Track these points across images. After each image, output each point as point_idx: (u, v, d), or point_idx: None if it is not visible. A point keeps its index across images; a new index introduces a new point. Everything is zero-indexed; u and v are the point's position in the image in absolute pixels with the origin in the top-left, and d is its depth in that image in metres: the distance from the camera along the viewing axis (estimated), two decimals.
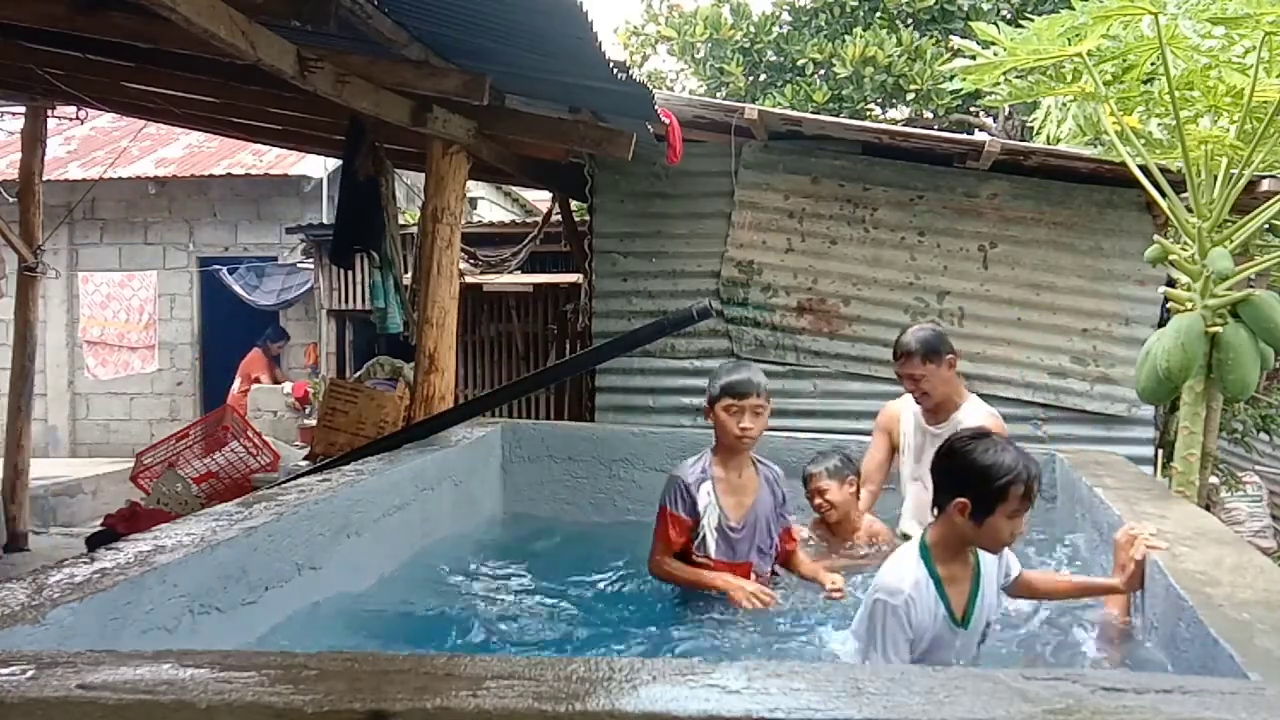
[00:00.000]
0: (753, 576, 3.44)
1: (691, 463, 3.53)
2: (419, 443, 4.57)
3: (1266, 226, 4.61)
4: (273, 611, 3.01)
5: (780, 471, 3.64)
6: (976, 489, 2.54)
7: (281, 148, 9.73)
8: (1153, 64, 3.78)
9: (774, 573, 3.60)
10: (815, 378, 6.36)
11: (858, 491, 4.12)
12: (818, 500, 4.06)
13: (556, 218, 8.11)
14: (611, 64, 4.17)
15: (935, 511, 2.71)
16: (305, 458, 6.80)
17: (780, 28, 12.07)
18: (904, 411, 4.30)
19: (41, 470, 8.38)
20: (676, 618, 3.50)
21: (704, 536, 3.43)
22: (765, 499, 3.52)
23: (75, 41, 4.77)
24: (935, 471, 2.68)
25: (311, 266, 10.42)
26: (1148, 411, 6.08)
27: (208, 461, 7.23)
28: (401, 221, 7.44)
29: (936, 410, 4.14)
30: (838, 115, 9.44)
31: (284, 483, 3.83)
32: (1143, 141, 4.13)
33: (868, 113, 11.24)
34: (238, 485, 6.84)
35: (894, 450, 4.33)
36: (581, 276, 7.28)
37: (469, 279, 8.20)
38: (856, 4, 11.53)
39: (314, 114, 5.80)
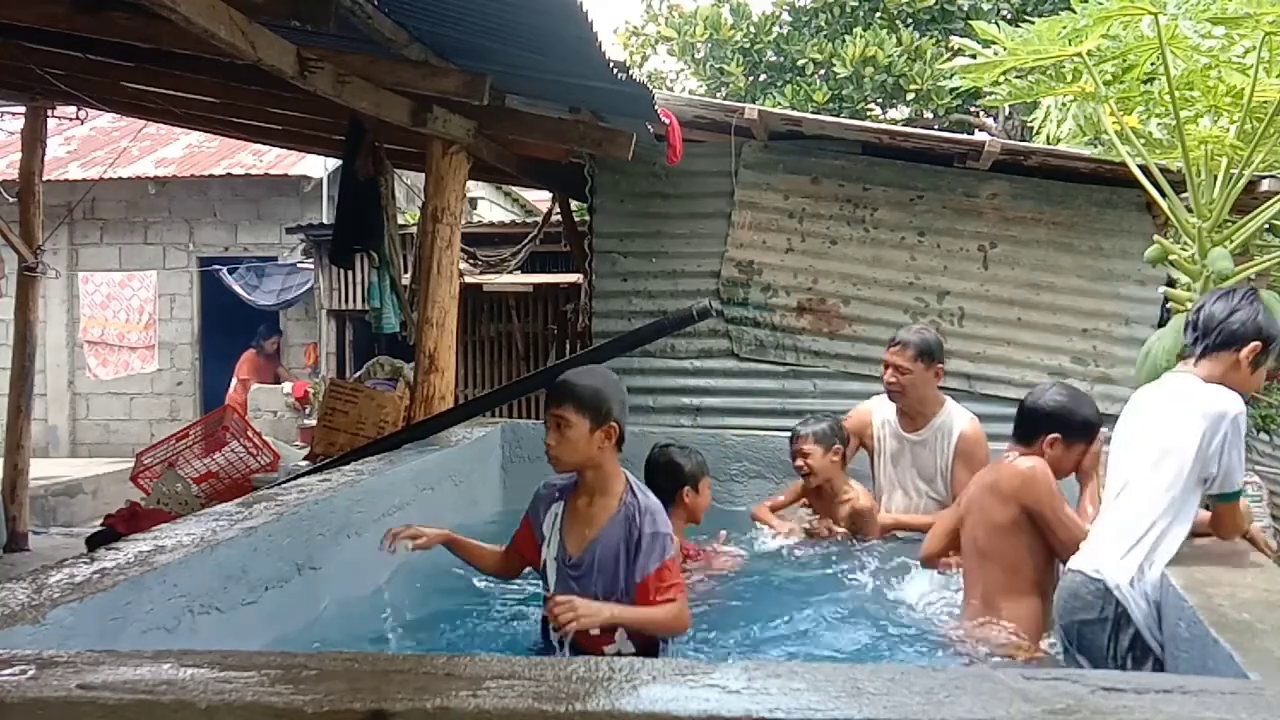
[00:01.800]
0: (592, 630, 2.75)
1: (563, 477, 3.00)
2: (419, 443, 4.57)
3: (1266, 226, 4.60)
4: (273, 611, 3.01)
5: (651, 505, 2.89)
6: (1266, 341, 2.84)
7: (281, 148, 9.73)
8: (1153, 64, 3.78)
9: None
10: (815, 378, 6.35)
11: (843, 461, 4.18)
12: (799, 461, 4.15)
13: (556, 218, 8.11)
14: (611, 64, 4.17)
15: (1196, 358, 2.89)
16: (305, 458, 6.79)
17: (780, 28, 12.08)
18: (875, 416, 4.34)
19: (41, 470, 8.38)
20: None
21: (545, 565, 2.95)
22: (611, 535, 2.85)
23: (75, 41, 4.77)
24: (1213, 319, 2.86)
25: (311, 266, 10.43)
26: None
27: (208, 461, 7.22)
28: (401, 221, 7.45)
29: (914, 417, 4.20)
30: (838, 115, 9.44)
31: (284, 483, 3.83)
32: (1143, 141, 4.13)
33: (868, 113, 11.25)
34: (238, 485, 6.82)
35: (857, 451, 4.38)
36: (581, 276, 7.27)
37: (469, 279, 8.19)
38: (856, 4, 11.54)
39: (314, 114, 5.80)
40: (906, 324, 6.21)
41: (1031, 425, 3.18)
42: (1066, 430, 3.16)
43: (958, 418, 4.21)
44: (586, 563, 2.86)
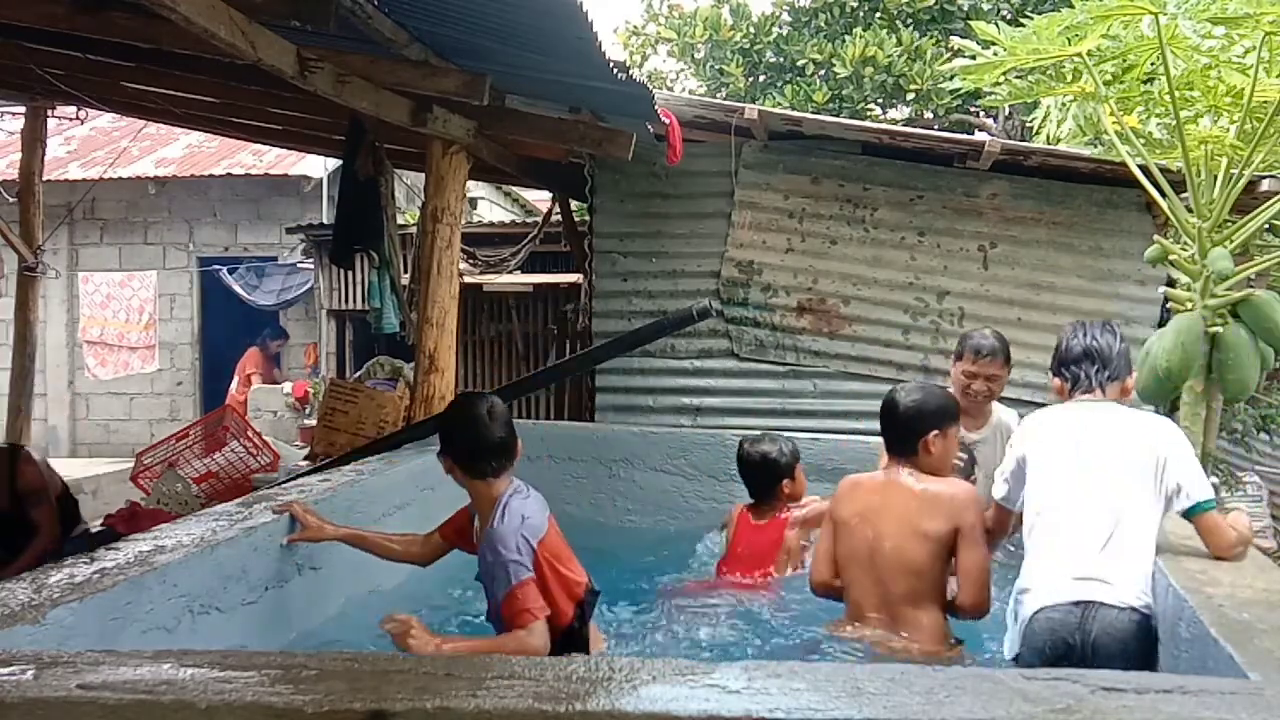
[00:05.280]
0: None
1: None
2: (419, 443, 4.57)
3: (1266, 226, 4.60)
4: (273, 611, 3.01)
5: (498, 532, 2.77)
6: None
7: (281, 148, 9.73)
8: (1153, 64, 3.78)
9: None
10: (815, 378, 6.35)
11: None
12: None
13: (556, 218, 8.11)
14: (611, 64, 4.17)
15: (1103, 386, 3.05)
16: (305, 458, 6.79)
17: (780, 28, 12.07)
18: None
19: None
20: (676, 618, 3.51)
21: None
22: (483, 555, 2.86)
23: (75, 41, 4.77)
24: (1111, 350, 3.14)
25: (311, 266, 10.42)
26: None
27: (208, 461, 7.21)
28: (401, 221, 7.44)
29: (977, 416, 4.16)
30: (838, 115, 9.44)
31: (284, 483, 3.84)
32: (1143, 141, 4.13)
33: (868, 113, 11.24)
34: (238, 485, 6.82)
35: None
36: (581, 276, 7.27)
37: (469, 279, 8.19)
38: (856, 4, 11.53)
39: (314, 114, 5.80)
40: (904, 325, 6.23)
41: (912, 431, 3.10)
42: (946, 420, 3.14)
43: (1004, 411, 4.22)
44: (481, 562, 2.92)
